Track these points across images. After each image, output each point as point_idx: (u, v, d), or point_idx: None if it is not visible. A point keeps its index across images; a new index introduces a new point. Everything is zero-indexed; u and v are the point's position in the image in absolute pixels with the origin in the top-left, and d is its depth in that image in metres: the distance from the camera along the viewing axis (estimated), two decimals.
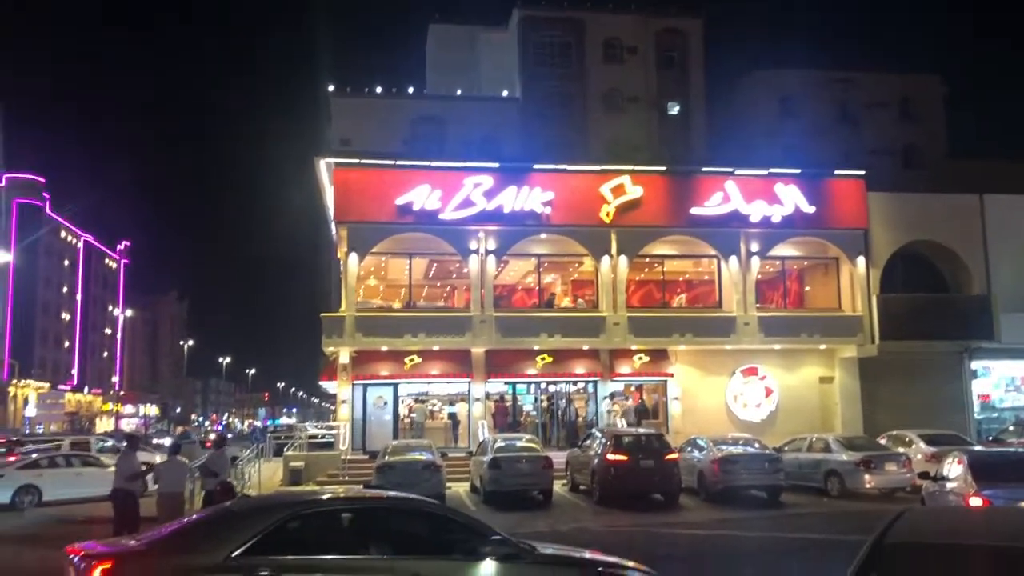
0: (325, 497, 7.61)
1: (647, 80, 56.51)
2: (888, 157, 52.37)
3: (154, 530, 7.32)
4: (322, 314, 28.55)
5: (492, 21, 60.09)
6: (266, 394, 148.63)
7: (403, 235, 28.57)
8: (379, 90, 55.56)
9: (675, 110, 57.14)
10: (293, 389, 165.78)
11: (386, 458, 21.23)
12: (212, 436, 31.52)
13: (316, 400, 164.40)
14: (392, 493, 8.40)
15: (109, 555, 6.36)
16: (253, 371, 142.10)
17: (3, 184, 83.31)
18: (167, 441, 48.02)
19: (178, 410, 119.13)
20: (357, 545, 6.87)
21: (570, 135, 52.64)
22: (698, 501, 21.01)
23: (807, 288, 32.93)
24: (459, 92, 56.06)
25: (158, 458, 17.21)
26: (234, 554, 6.34)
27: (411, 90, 56.97)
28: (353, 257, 28.11)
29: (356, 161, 28.82)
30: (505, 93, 55.86)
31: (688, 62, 57.45)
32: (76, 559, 6.40)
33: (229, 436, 61.22)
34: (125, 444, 15.54)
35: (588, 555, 8.02)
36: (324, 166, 28.78)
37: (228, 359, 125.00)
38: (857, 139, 52.61)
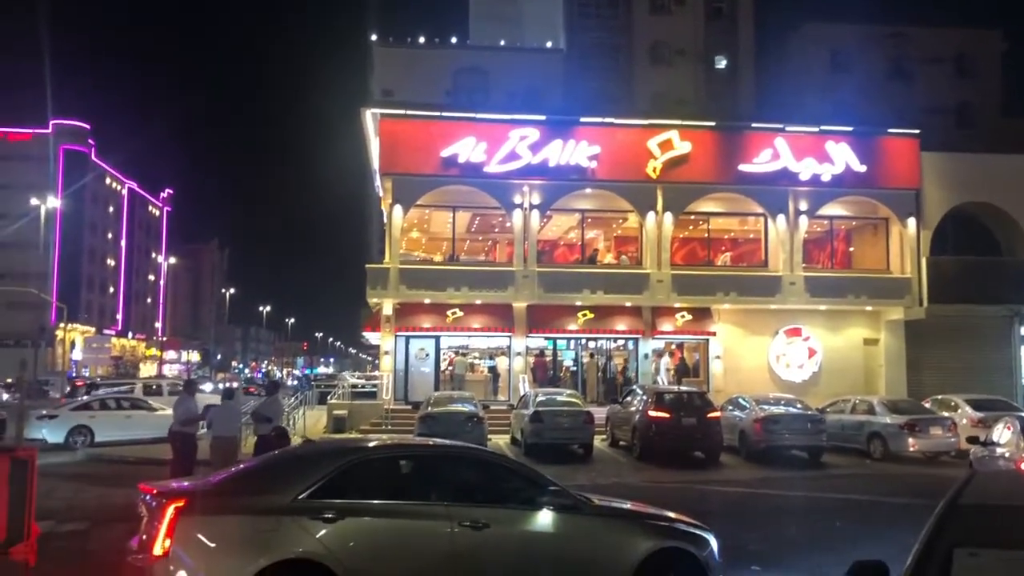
0: (388, 443, 7.75)
1: (695, 32, 55.32)
2: (941, 115, 50.91)
3: (222, 471, 7.51)
4: (367, 265, 28.78)
5: None
6: (304, 343, 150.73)
7: (447, 187, 28.56)
8: (422, 40, 55.17)
9: (722, 64, 55.97)
10: (331, 339, 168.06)
11: (429, 409, 21.50)
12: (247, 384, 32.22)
13: (353, 351, 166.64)
14: (452, 442, 8.52)
15: (183, 493, 6.54)
16: (292, 320, 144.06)
17: (50, 131, 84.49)
18: (207, 387, 48.93)
19: (219, 357, 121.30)
20: (418, 491, 6.99)
21: (615, 88, 51.91)
22: (739, 460, 21.03)
23: (855, 249, 32.48)
24: (502, 43, 55.48)
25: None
26: (301, 496, 6.49)
27: (454, 40, 56.48)
28: (398, 209, 28.18)
29: (402, 112, 28.75)
30: (549, 44, 55.14)
31: (737, 14, 56.12)
32: (149, 497, 6.60)
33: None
34: (182, 388, 15.90)
35: (645, 509, 8.08)
36: (370, 117, 28.73)
37: (268, 308, 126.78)
38: (910, 96, 51.13)
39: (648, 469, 19.37)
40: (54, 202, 65.92)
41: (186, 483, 7.33)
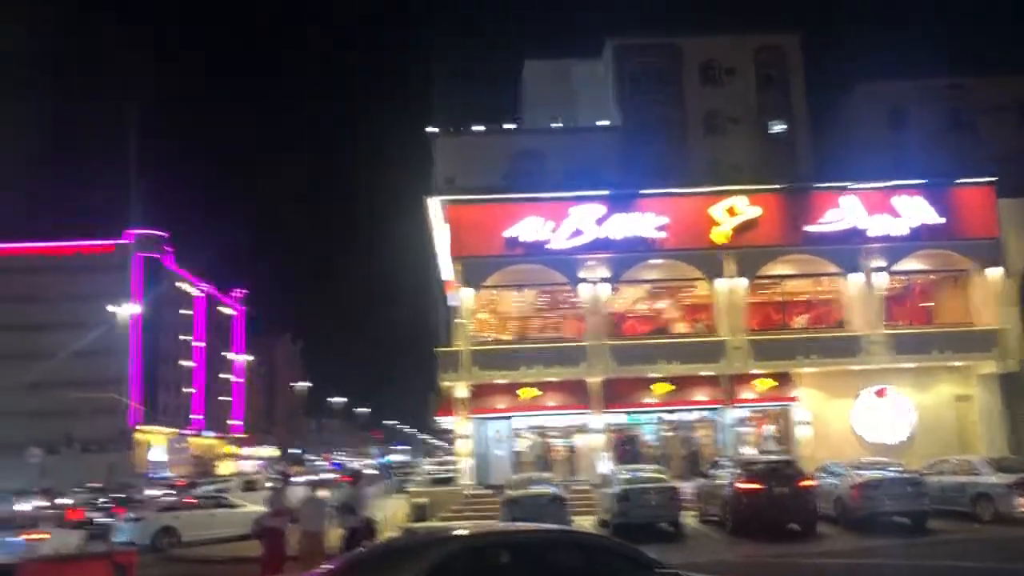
0: (490, 530, 7.50)
1: (747, 100, 55.59)
2: (1007, 163, 49.73)
3: (322, 567, 7.34)
4: (437, 349, 28.83)
5: (586, 53, 60.35)
6: (379, 432, 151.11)
7: (514, 267, 28.71)
8: (478, 128, 56.40)
9: (777, 128, 55.93)
10: (401, 426, 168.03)
11: (511, 492, 21.12)
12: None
13: (423, 436, 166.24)
14: (554, 525, 8.23)
15: None
16: (364, 409, 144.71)
17: (128, 241, 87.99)
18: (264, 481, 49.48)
19: (294, 451, 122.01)
20: None
21: (671, 160, 52.04)
22: (838, 529, 20.13)
23: (935, 303, 31.41)
24: (557, 124, 56.40)
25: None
26: None
27: (510, 126, 57.61)
28: (467, 291, 28.35)
29: (467, 198, 29.30)
30: (603, 123, 55.86)
31: (788, 79, 56.30)
32: None
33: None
34: (281, 481, 15.81)
35: None
36: (437, 204, 29.24)
37: (341, 399, 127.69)
38: (972, 146, 50.13)
39: (743, 544, 18.62)
40: (134, 309, 67.98)
41: None
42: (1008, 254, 28.77)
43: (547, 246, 28.09)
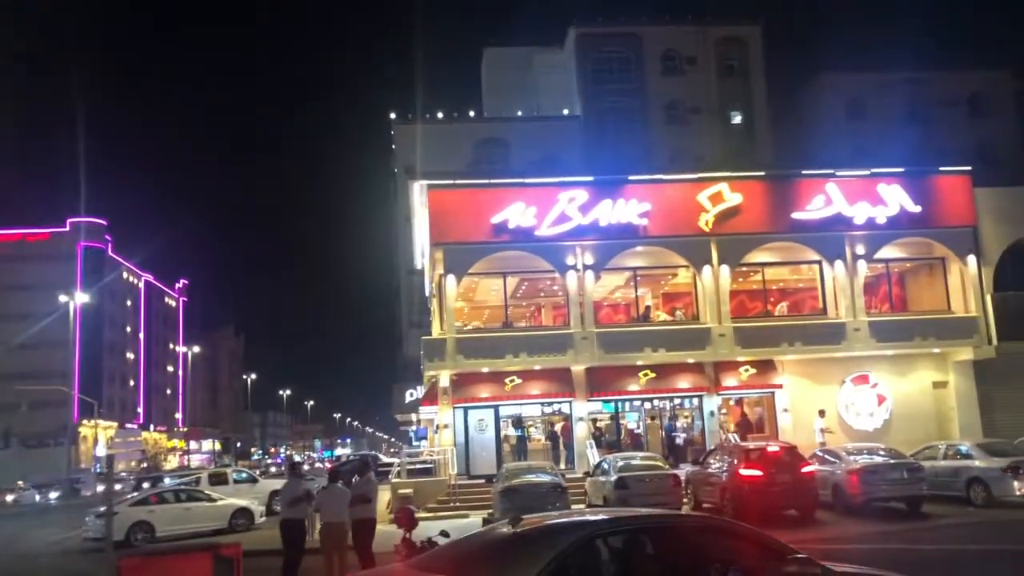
0: (615, 516, 6.99)
1: (708, 90, 55.91)
2: (960, 155, 50.85)
3: (424, 556, 6.76)
4: (423, 338, 28.24)
5: (547, 41, 60.04)
6: (332, 425, 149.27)
7: (497, 254, 28.13)
8: (440, 115, 55.65)
9: (738, 119, 56.38)
10: (348, 420, 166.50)
11: (508, 481, 20.65)
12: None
13: (370, 430, 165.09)
14: (687, 512, 7.80)
15: None
16: (311, 403, 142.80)
17: (67, 229, 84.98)
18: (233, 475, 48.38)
19: (239, 444, 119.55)
20: (653, 568, 6.24)
21: (633, 149, 52.06)
22: (836, 515, 20.11)
23: (911, 291, 31.76)
24: (519, 113, 55.96)
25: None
26: None
27: (472, 114, 56.97)
28: (450, 279, 27.70)
29: (452, 182, 28.57)
30: (565, 112, 55.60)
31: (749, 70, 56.75)
32: None
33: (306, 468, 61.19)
34: (288, 472, 15.16)
35: (876, 572, 7.31)
36: (418, 189, 28.51)
37: (288, 392, 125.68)
38: (928, 138, 51.05)
39: None
40: (79, 299, 65.61)
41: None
42: (984, 243, 29.21)
43: (535, 232, 27.60)
